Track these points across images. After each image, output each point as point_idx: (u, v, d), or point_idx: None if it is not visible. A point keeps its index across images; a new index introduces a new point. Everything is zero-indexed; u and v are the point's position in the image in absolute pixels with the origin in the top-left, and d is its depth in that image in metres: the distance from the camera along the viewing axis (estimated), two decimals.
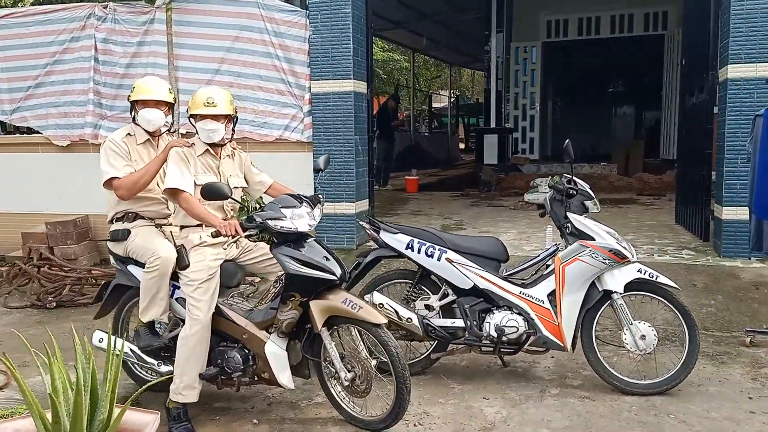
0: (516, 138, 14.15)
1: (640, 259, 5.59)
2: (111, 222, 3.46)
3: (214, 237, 3.00)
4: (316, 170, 3.45)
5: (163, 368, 3.28)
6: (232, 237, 2.97)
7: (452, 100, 28.24)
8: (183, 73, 6.59)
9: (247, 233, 3.00)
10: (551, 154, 16.70)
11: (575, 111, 20.26)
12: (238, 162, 3.53)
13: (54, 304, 5.39)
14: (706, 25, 6.00)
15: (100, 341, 3.46)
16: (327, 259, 3.00)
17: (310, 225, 3.05)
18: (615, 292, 3.49)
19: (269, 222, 2.96)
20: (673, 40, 12.52)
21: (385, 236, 3.79)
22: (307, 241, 3.07)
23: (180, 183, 3.15)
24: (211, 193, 2.93)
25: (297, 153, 6.53)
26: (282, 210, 3.00)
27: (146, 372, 3.48)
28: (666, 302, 3.54)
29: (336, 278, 2.96)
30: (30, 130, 7.60)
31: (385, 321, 2.90)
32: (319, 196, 3.38)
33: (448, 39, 18.52)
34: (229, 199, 3.34)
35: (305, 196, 3.22)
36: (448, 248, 3.68)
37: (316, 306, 2.96)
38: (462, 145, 26.55)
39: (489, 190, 11.81)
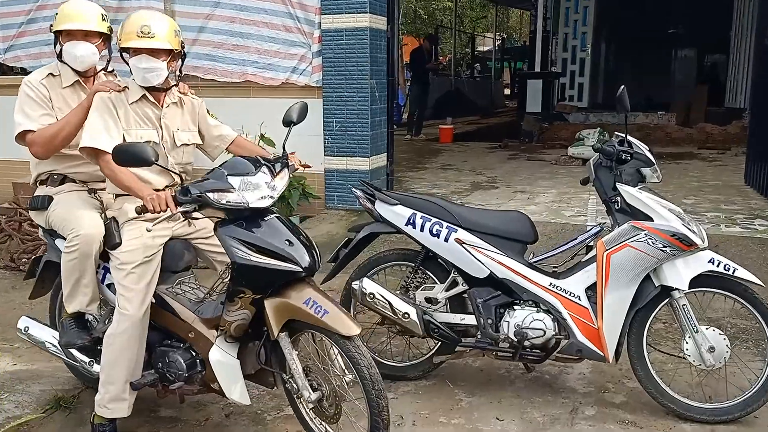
0: (563, 84, 12.98)
1: (704, 229, 4.68)
2: (34, 185, 2.78)
3: (138, 213, 2.28)
4: (287, 123, 2.66)
5: (96, 368, 2.64)
6: (163, 213, 2.24)
7: (498, 42, 26.64)
8: (180, 6, 5.81)
9: (182, 209, 2.25)
10: (602, 101, 15.44)
11: (631, 54, 18.61)
12: (189, 111, 2.77)
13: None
14: None
15: (25, 329, 2.84)
16: (290, 243, 2.25)
17: (268, 197, 2.29)
18: (677, 289, 2.65)
19: (209, 195, 2.21)
20: None
21: (381, 208, 3.01)
22: (266, 219, 2.31)
23: (100, 141, 2.42)
24: (125, 157, 2.19)
25: (305, 99, 5.69)
26: (229, 178, 2.24)
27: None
28: (745, 303, 2.69)
29: (300, 269, 2.21)
30: (24, 71, 7.02)
31: (357, 332, 2.16)
32: (290, 156, 2.60)
33: None
34: (171, 165, 2.61)
35: (266, 160, 2.44)
36: (460, 225, 2.88)
37: (271, 306, 2.23)
38: (507, 91, 25.17)
39: (530, 141, 10.82)
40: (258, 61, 5.71)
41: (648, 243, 2.63)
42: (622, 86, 2.80)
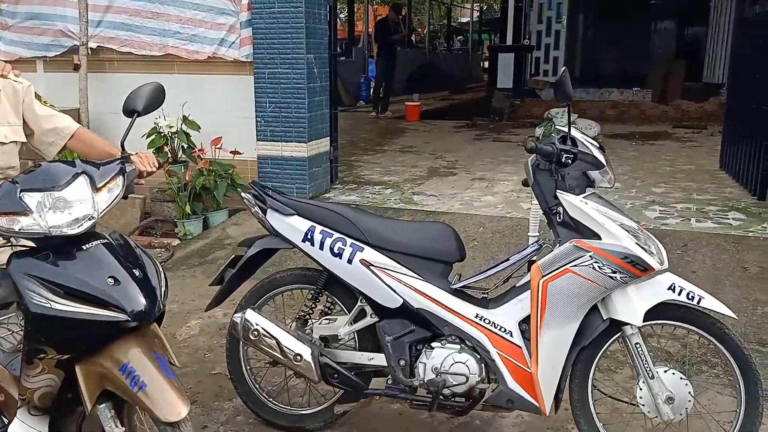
0: (538, 58, 12.37)
1: (671, 224, 4.20)
2: None
3: None
4: (129, 112, 2.01)
5: None
6: None
7: (481, 13, 25.82)
8: None
9: None
10: (579, 76, 14.87)
11: (608, 26, 17.98)
12: (9, 99, 2.16)
13: None
14: None
15: None
16: (115, 281, 1.66)
17: (85, 219, 1.69)
18: (629, 324, 2.13)
19: None
20: None
21: (273, 219, 2.44)
22: (85, 248, 1.72)
23: None
24: None
25: (234, 76, 5.10)
26: (24, 196, 1.65)
27: None
28: (712, 339, 2.18)
29: (125, 317, 1.64)
30: None
31: (182, 415, 1.60)
32: (135, 157, 2.00)
33: None
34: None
35: (93, 164, 1.83)
36: (368, 243, 2.33)
37: (83, 371, 1.67)
38: (486, 65, 24.51)
39: (500, 120, 10.27)
40: (181, 31, 5.05)
41: (594, 268, 2.10)
42: (563, 68, 2.23)
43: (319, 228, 2.37)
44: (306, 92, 4.87)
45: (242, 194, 2.58)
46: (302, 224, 2.39)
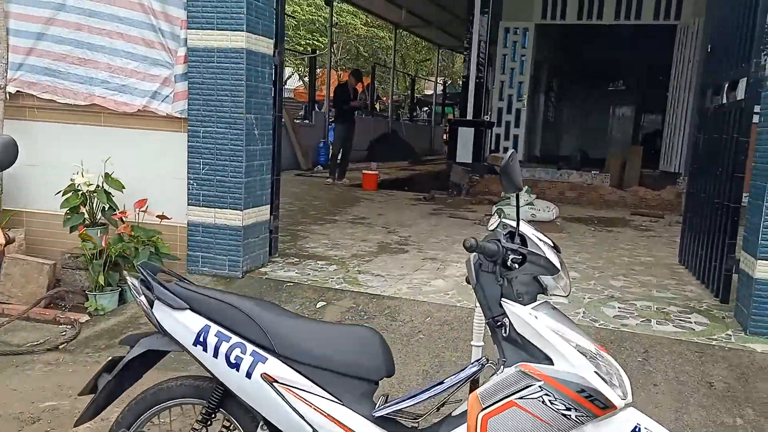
0: (498, 134, 12.35)
1: (631, 326, 3.84)
2: None
3: None
4: None
5: None
6: None
7: (444, 87, 26.30)
8: (16, 7, 4.69)
9: None
10: (540, 155, 14.99)
11: (569, 107, 18.48)
12: None
13: None
14: None
15: None
16: None
17: None
18: None
19: None
20: (686, 33, 10.72)
21: (161, 312, 1.98)
22: None
23: None
24: None
25: (167, 132, 4.69)
26: None
27: None
28: None
29: None
30: None
31: None
32: None
33: (432, 15, 16.60)
34: None
35: None
36: (273, 351, 1.89)
37: None
38: (446, 137, 24.76)
39: (459, 195, 10.06)
40: (110, 80, 4.64)
41: (544, 402, 1.69)
42: (511, 152, 1.88)
43: (215, 328, 1.92)
44: (244, 155, 4.48)
45: (127, 278, 2.13)
46: (195, 322, 1.94)
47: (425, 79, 28.49)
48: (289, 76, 28.04)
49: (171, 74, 4.55)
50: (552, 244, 1.99)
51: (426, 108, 26.41)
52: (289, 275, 4.73)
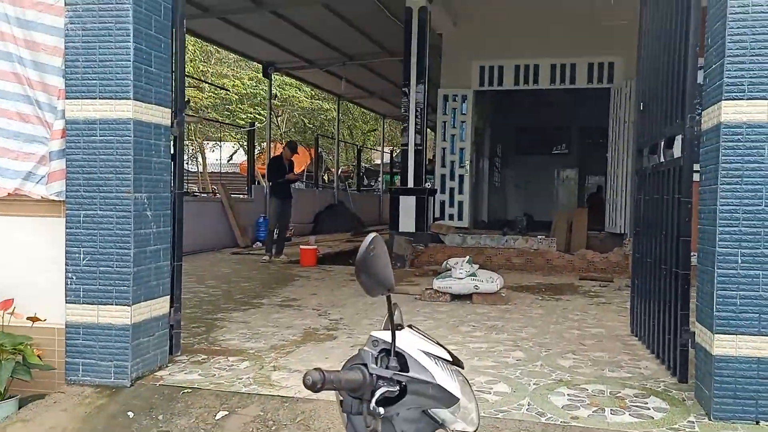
0: (443, 201, 12.05)
1: (583, 417, 3.27)
2: None
3: None
4: None
5: None
6: None
7: (392, 156, 26.31)
8: None
9: None
10: (487, 220, 14.75)
11: (514, 172, 18.51)
12: None
13: None
14: (679, 40, 3.96)
15: None
16: None
17: None
18: None
19: None
20: (620, 94, 10.79)
21: None
22: None
23: None
24: None
25: (43, 218, 4.06)
26: None
27: None
28: None
29: None
30: None
31: None
32: None
33: (373, 85, 16.60)
34: None
35: None
36: None
37: None
38: None
39: (402, 266, 9.56)
40: None
41: None
42: (371, 236, 1.37)
43: None
44: (132, 240, 3.87)
45: None
46: None
47: (372, 149, 28.51)
48: (235, 151, 27.71)
49: (47, 151, 3.97)
50: (450, 359, 1.46)
51: (378, 178, 26.31)
52: (190, 378, 4.05)
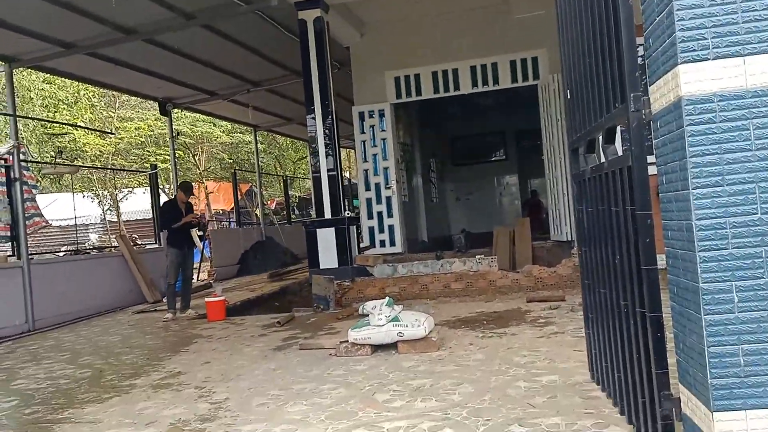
0: (372, 227, 10.88)
1: None
2: None
3: None
4: None
5: None
6: None
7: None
8: None
9: None
10: (428, 239, 13.66)
11: (453, 185, 17.57)
12: None
13: None
14: (605, 8, 2.89)
15: None
16: None
17: None
18: None
19: None
20: (547, 90, 9.91)
21: None
22: None
23: None
24: None
25: None
26: None
27: None
28: None
29: None
30: None
31: None
32: None
33: (288, 111, 15.39)
34: None
35: None
36: None
37: None
38: None
39: (326, 308, 8.29)
40: None
41: None
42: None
43: None
44: None
45: None
46: None
47: (303, 178, 27.23)
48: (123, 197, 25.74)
49: None
50: None
51: (294, 209, 25.00)
52: None
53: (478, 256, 8.75)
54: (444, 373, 4.71)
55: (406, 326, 5.39)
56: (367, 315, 5.61)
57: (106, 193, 21.52)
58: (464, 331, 6.20)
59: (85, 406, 4.71)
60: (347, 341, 5.60)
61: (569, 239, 9.33)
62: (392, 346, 5.50)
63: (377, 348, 5.55)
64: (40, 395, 5.17)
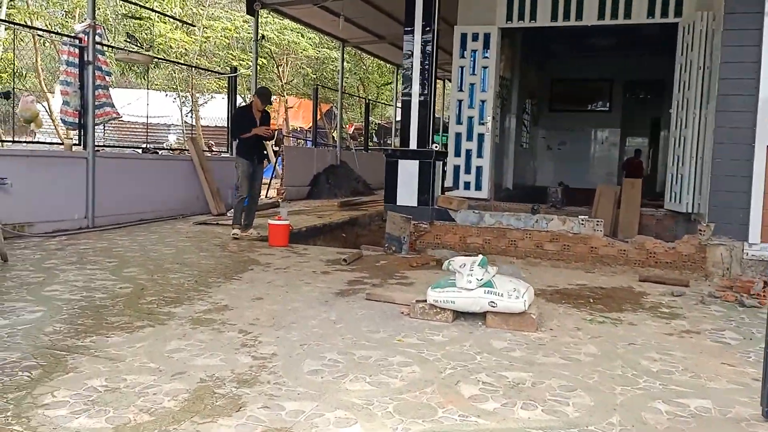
0: (457, 166, 9.73)
1: None
2: None
3: None
4: None
5: None
6: None
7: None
8: None
9: None
10: (512, 188, 12.43)
11: (544, 132, 16.03)
12: None
13: None
14: None
15: None
16: None
17: None
18: None
19: None
20: (692, 30, 8.21)
21: None
22: None
23: None
24: None
25: None
26: None
27: None
28: None
29: None
30: None
31: None
32: None
33: (381, 28, 14.08)
34: None
35: None
36: None
37: None
38: None
39: (398, 251, 7.34)
40: None
41: None
42: None
43: None
44: None
45: None
46: None
47: (385, 104, 26.01)
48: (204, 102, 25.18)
49: None
50: None
51: (373, 136, 23.93)
52: None
53: (581, 217, 7.49)
54: (548, 366, 3.66)
55: (501, 296, 4.33)
56: (453, 273, 4.58)
57: (187, 94, 21.06)
58: (566, 308, 5.09)
59: (111, 334, 3.97)
60: (425, 301, 4.61)
61: (690, 211, 7.89)
62: (479, 315, 4.49)
63: (460, 315, 4.54)
64: (68, 309, 4.49)
